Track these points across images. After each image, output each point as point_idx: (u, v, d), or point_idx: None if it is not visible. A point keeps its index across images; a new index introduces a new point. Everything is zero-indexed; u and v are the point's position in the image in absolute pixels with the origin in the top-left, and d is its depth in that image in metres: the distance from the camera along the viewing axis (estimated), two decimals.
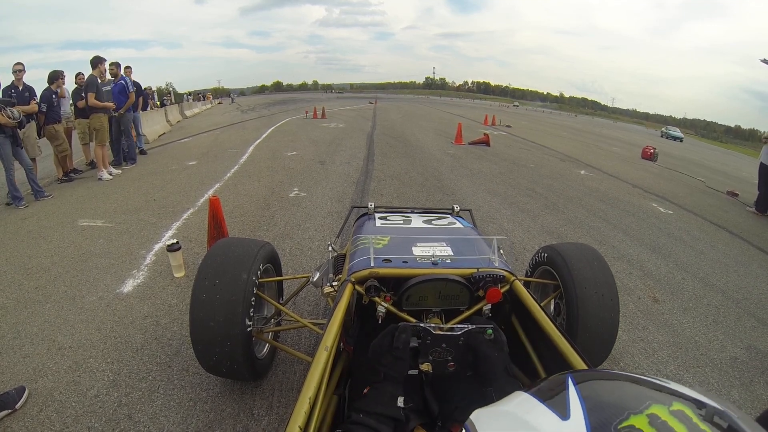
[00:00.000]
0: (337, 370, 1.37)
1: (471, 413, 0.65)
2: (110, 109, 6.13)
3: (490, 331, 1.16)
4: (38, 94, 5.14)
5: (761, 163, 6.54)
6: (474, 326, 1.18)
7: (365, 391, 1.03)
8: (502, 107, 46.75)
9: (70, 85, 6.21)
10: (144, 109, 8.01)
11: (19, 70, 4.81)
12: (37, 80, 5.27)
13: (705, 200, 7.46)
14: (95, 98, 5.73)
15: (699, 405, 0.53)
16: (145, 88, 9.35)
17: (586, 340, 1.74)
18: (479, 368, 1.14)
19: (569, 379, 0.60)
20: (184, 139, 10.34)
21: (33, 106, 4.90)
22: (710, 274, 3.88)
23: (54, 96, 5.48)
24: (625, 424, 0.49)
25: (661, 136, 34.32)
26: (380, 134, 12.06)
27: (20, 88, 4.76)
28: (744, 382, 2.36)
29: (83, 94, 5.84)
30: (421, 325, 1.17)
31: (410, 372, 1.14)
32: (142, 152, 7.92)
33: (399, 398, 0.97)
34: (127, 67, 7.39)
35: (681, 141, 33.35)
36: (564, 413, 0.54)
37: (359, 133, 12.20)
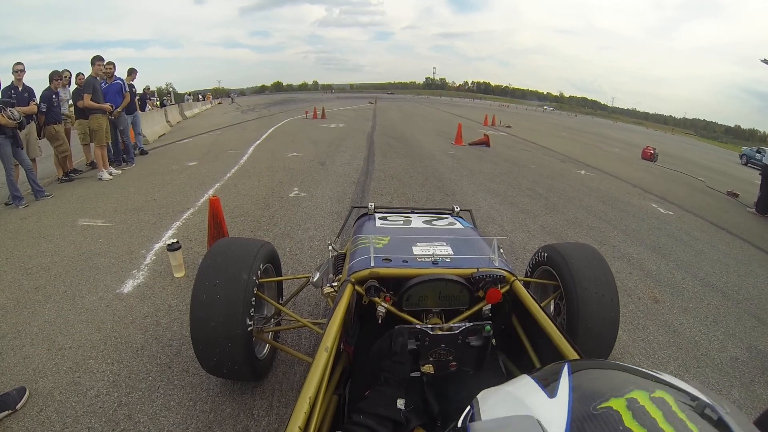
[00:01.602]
0: (337, 370, 1.37)
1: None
2: (107, 110, 6.11)
3: (488, 328, 1.15)
4: (38, 94, 5.14)
5: (765, 164, 6.54)
6: (471, 324, 1.17)
7: (366, 394, 1.03)
8: (502, 107, 46.77)
9: (71, 85, 6.22)
10: (142, 110, 8.03)
11: (19, 70, 4.80)
12: (37, 80, 5.27)
13: (705, 200, 7.47)
14: (91, 99, 5.72)
15: (687, 396, 0.54)
16: (144, 89, 9.37)
17: (586, 340, 1.73)
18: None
19: (566, 367, 0.65)
20: (184, 140, 10.34)
21: (32, 107, 4.89)
22: (710, 275, 3.88)
23: (54, 96, 5.48)
24: (603, 405, 0.52)
25: (745, 164, 18.52)
26: (380, 134, 12.06)
27: (20, 89, 4.75)
28: (744, 382, 2.35)
29: (82, 95, 5.84)
30: (418, 326, 1.15)
31: (413, 374, 1.13)
32: (143, 152, 7.92)
33: (399, 401, 0.96)
34: (133, 70, 7.44)
35: None
36: (552, 393, 0.59)
37: (359, 133, 12.20)
